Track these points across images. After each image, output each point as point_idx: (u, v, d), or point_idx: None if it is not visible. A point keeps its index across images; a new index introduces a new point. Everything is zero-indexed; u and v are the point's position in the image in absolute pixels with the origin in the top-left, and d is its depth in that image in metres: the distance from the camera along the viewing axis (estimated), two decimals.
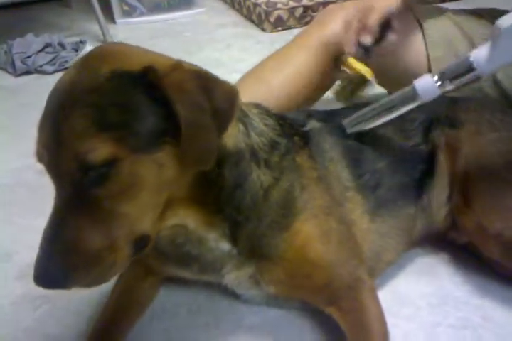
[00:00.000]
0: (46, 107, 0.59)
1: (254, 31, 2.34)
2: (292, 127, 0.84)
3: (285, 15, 2.32)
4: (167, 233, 0.70)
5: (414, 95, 0.82)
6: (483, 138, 0.92)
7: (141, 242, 0.62)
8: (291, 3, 2.32)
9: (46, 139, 0.57)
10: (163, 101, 0.56)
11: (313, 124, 0.88)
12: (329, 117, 0.94)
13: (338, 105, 1.11)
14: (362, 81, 1.05)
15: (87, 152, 0.54)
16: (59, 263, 0.56)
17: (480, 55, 0.75)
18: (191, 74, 0.59)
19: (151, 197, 0.60)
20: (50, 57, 1.91)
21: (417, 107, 0.90)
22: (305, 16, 2.33)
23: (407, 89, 0.84)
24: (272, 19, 2.30)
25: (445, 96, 1.05)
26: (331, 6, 1.24)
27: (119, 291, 0.86)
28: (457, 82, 0.78)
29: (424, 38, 1.21)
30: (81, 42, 1.98)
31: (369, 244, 0.86)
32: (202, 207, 0.69)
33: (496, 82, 1.16)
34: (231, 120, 0.62)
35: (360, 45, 1.06)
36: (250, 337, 0.85)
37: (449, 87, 0.79)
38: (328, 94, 1.31)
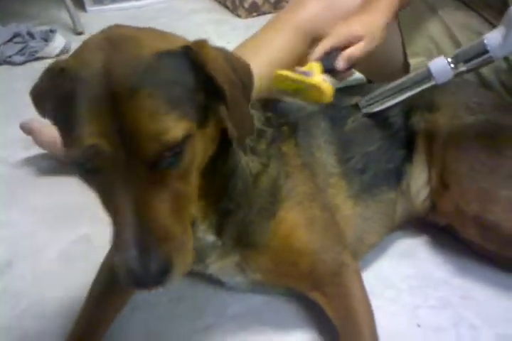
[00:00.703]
0: (86, 96, 0.53)
1: (229, 17, 2.31)
2: (281, 117, 0.85)
3: (260, 1, 2.29)
4: None
5: (428, 76, 0.85)
6: (460, 121, 0.93)
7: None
8: None
9: (105, 128, 0.52)
10: (202, 77, 0.57)
11: (307, 111, 0.89)
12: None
13: None
14: (316, 92, 0.89)
15: (167, 131, 0.52)
16: (159, 258, 0.53)
17: (494, 38, 0.78)
18: (219, 51, 0.61)
19: (197, 176, 0.60)
20: (19, 47, 1.85)
21: None
22: (280, 1, 2.31)
23: (421, 70, 0.86)
24: (246, 5, 2.27)
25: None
26: None
27: (100, 284, 0.84)
28: (470, 64, 0.81)
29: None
30: (51, 31, 1.93)
31: (352, 228, 0.87)
32: (205, 198, 0.68)
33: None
34: (252, 91, 0.65)
35: (328, 59, 0.95)
36: (234, 325, 0.84)
37: (462, 68, 0.82)
38: None
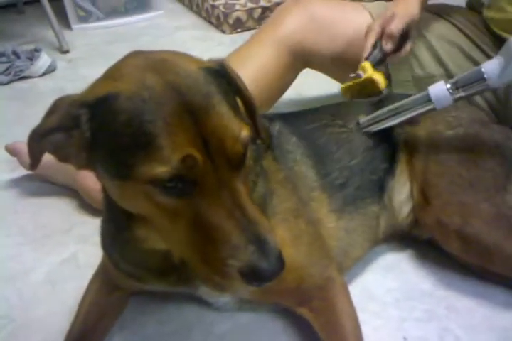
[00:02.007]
0: (162, 113, 0.52)
1: (214, 33, 2.33)
2: None
3: (244, 17, 2.32)
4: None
5: (427, 101, 0.89)
6: (439, 135, 0.95)
7: None
8: (250, 5, 2.32)
9: (192, 139, 0.53)
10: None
11: (275, 126, 0.89)
12: (291, 118, 0.95)
13: (298, 107, 1.11)
14: (372, 86, 1.02)
15: (241, 131, 0.56)
16: (273, 246, 0.56)
17: (492, 68, 0.82)
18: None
19: None
20: (4, 67, 1.84)
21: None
22: (264, 17, 2.34)
23: (421, 94, 0.90)
24: (230, 21, 2.29)
25: (401, 94, 1.08)
26: (285, 3, 1.26)
27: (86, 306, 0.84)
28: (468, 90, 0.85)
29: None
30: (36, 50, 1.93)
31: (337, 242, 0.88)
32: None
33: (450, 77, 1.19)
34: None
35: (379, 50, 1.07)
36: None
37: (461, 94, 0.86)
38: (285, 97, 1.32)
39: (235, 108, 0.58)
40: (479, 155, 0.90)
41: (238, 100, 0.65)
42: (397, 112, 0.94)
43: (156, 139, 0.52)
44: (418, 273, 0.97)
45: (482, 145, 0.92)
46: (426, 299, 0.92)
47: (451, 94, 0.86)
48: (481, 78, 0.82)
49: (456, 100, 0.87)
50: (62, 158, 0.60)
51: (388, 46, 1.05)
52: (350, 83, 1.06)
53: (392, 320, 0.88)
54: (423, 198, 0.92)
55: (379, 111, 0.95)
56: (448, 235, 0.88)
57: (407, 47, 1.09)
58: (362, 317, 0.78)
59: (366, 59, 1.06)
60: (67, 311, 0.88)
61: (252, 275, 0.54)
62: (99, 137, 0.56)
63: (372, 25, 1.08)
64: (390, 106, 0.95)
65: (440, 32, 1.21)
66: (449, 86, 0.86)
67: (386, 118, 0.95)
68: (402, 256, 1.01)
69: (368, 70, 1.03)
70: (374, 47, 1.07)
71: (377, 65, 1.06)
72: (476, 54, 1.17)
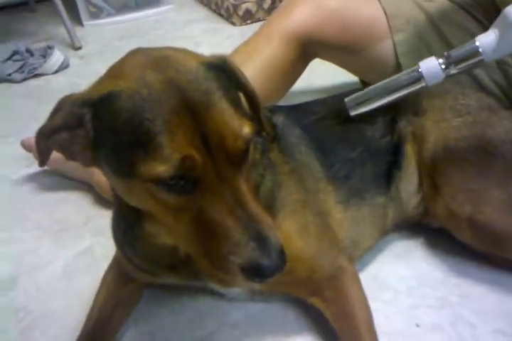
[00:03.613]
0: (162, 111, 0.53)
1: (224, 25, 2.33)
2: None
3: (253, 8, 2.31)
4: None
5: (418, 78, 0.83)
6: (447, 124, 0.93)
7: None
8: None
9: (192, 137, 0.53)
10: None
11: (278, 119, 0.89)
12: (293, 111, 0.95)
13: (307, 98, 1.11)
14: None
15: (243, 127, 0.56)
16: (275, 242, 0.56)
17: (486, 41, 0.76)
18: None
19: None
20: (18, 65, 1.88)
21: None
22: (273, 8, 2.32)
23: (411, 71, 0.84)
24: (240, 12, 2.29)
25: None
26: None
27: (102, 298, 0.86)
28: (461, 66, 0.79)
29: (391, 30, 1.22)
30: (49, 47, 1.95)
31: (345, 232, 0.88)
32: None
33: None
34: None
35: None
36: (236, 333, 0.86)
37: (453, 70, 0.80)
38: (296, 86, 1.32)
39: (236, 104, 0.58)
40: (489, 143, 0.89)
41: (241, 95, 0.65)
42: (385, 91, 0.88)
43: (156, 138, 0.52)
44: (430, 261, 0.97)
45: (491, 132, 0.90)
46: (438, 286, 0.91)
47: (443, 69, 0.81)
48: (475, 52, 0.77)
49: (448, 77, 0.81)
50: (69, 156, 0.61)
51: None
52: None
53: (404, 308, 0.88)
54: (433, 188, 0.92)
55: (365, 90, 0.89)
56: (459, 224, 0.88)
57: None
58: (374, 305, 0.79)
59: None
60: (83, 303, 0.89)
61: (253, 272, 0.55)
62: (102, 135, 0.57)
63: None
64: (377, 85, 0.89)
65: (450, 17, 1.19)
66: (441, 61, 0.81)
67: (373, 98, 0.89)
68: (413, 243, 1.01)
69: None
70: None
71: None
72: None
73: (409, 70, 0.85)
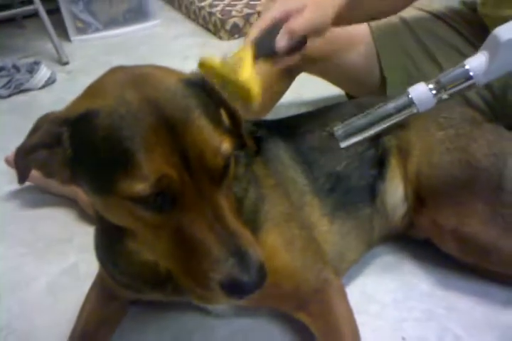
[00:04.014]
0: (139, 129, 0.53)
1: (212, 40, 2.35)
2: None
3: (241, 23, 2.34)
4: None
5: (409, 104, 0.80)
6: (431, 137, 0.94)
7: None
8: (246, 10, 2.34)
9: (169, 155, 0.53)
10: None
11: (263, 132, 0.90)
12: (278, 124, 0.96)
13: (295, 111, 1.11)
14: (242, 91, 0.78)
15: (222, 144, 0.56)
16: (255, 259, 0.56)
17: (477, 64, 0.75)
18: None
19: None
20: (4, 80, 1.87)
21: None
22: None
23: (400, 97, 0.81)
24: (228, 27, 2.31)
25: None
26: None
27: (86, 316, 0.85)
28: (452, 91, 0.77)
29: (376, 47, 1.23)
30: (35, 63, 1.96)
31: (331, 245, 0.88)
32: None
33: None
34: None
35: (269, 41, 0.83)
36: None
37: (445, 95, 0.78)
38: (285, 99, 1.33)
39: (215, 120, 0.58)
40: (471, 155, 0.90)
41: (222, 111, 0.65)
42: (375, 120, 0.83)
43: (134, 156, 0.52)
44: (416, 274, 0.97)
45: (474, 145, 0.91)
46: (425, 299, 0.91)
47: (434, 95, 0.78)
48: (466, 76, 0.76)
49: (440, 101, 0.79)
50: (47, 174, 0.61)
51: (283, 44, 0.82)
52: (218, 67, 0.80)
53: (391, 321, 0.88)
54: (418, 200, 0.92)
55: (354, 119, 0.84)
56: (444, 236, 0.88)
57: (296, 57, 0.88)
58: (361, 318, 0.79)
59: (252, 43, 0.82)
60: (68, 320, 0.88)
61: (233, 288, 0.55)
62: (80, 154, 0.57)
63: (273, 5, 0.87)
64: (366, 113, 0.84)
65: (434, 31, 1.21)
66: (431, 86, 0.79)
67: (364, 128, 0.84)
68: (399, 256, 1.01)
69: (245, 66, 0.79)
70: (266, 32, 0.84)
71: (261, 56, 0.83)
72: (472, 53, 1.17)
73: (398, 97, 0.81)
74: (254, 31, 0.83)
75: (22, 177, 0.63)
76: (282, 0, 0.87)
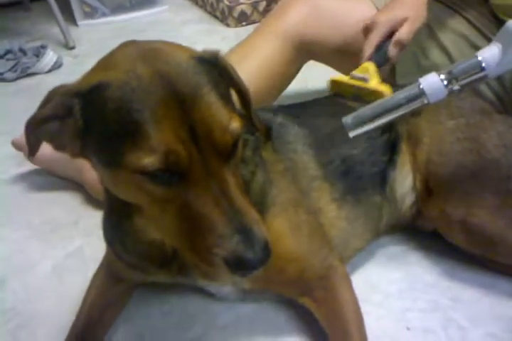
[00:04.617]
0: (150, 103, 0.53)
1: (219, 27, 2.33)
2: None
3: (248, 10, 2.31)
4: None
5: (420, 94, 0.78)
6: (441, 126, 0.93)
7: None
8: None
9: (178, 130, 0.53)
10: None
11: (277, 119, 0.89)
12: (292, 110, 0.95)
13: (303, 98, 1.10)
14: (375, 97, 0.89)
15: (231, 122, 0.56)
16: (260, 236, 0.56)
17: (490, 56, 0.74)
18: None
19: None
20: (11, 64, 1.87)
21: None
22: (269, 10, 2.33)
23: (411, 87, 0.80)
24: (235, 14, 2.29)
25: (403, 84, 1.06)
26: None
27: (91, 299, 0.86)
28: (464, 82, 0.76)
29: None
30: (42, 47, 1.95)
31: (338, 231, 0.88)
32: None
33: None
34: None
35: (383, 52, 0.99)
36: (225, 334, 0.85)
37: (456, 86, 0.77)
38: (291, 88, 1.32)
39: (225, 98, 0.58)
40: (482, 145, 0.89)
41: (232, 91, 0.65)
42: (385, 110, 0.82)
43: (143, 128, 0.52)
44: (422, 264, 0.96)
45: (484, 135, 0.90)
46: (430, 290, 0.91)
47: (445, 86, 0.77)
48: (478, 68, 0.75)
49: (450, 93, 0.78)
50: (58, 146, 0.61)
51: (394, 52, 0.99)
52: (349, 81, 0.96)
53: (395, 311, 0.88)
54: (426, 189, 0.92)
55: (364, 109, 0.84)
56: (452, 226, 0.88)
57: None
58: (365, 307, 0.79)
59: (369, 59, 0.99)
60: (72, 304, 0.88)
61: (237, 265, 0.55)
62: (91, 125, 0.57)
63: (378, 22, 1.00)
64: (376, 103, 0.84)
65: (445, 21, 1.20)
66: (442, 77, 0.77)
67: (373, 118, 0.84)
68: (405, 247, 1.01)
69: (372, 76, 0.95)
70: (377, 47, 0.99)
71: (379, 67, 0.99)
72: (483, 43, 1.15)
73: (408, 87, 0.80)
74: (371, 46, 0.99)
75: (32, 150, 0.63)
76: (387, 12, 1.01)
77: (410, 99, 0.79)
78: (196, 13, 2.54)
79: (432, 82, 0.77)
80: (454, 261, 0.96)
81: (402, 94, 0.80)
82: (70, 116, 0.57)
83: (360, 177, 0.92)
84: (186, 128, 0.53)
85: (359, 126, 0.82)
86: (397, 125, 0.97)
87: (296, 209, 0.80)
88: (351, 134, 0.82)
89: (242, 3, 2.28)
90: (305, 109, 0.98)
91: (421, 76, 1.23)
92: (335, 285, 0.79)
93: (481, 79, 0.76)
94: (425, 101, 0.78)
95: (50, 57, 1.92)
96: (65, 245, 1.08)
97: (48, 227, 1.14)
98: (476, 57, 0.75)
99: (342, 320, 0.76)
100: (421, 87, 0.78)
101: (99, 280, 0.88)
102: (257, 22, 2.29)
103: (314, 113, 0.97)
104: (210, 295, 0.89)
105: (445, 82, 0.77)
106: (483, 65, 0.74)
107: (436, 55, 1.20)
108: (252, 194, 0.75)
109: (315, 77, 1.61)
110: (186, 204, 0.56)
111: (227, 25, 2.32)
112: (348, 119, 0.82)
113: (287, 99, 1.29)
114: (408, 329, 0.84)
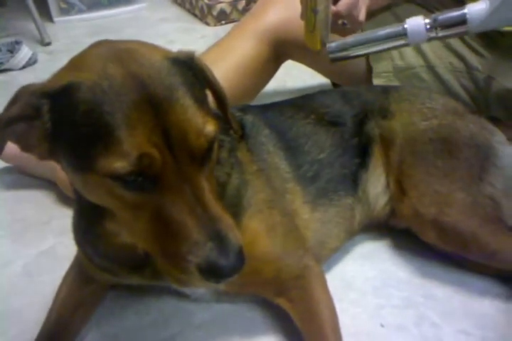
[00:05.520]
0: (122, 105, 0.51)
1: (198, 25, 2.32)
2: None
3: (228, 9, 2.31)
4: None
5: (402, 34, 0.84)
6: (414, 127, 0.95)
7: None
8: None
9: (150, 133, 0.51)
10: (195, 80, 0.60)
11: (248, 118, 0.89)
12: (263, 110, 0.95)
13: (279, 99, 1.10)
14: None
15: (206, 125, 0.55)
16: (234, 243, 0.55)
17: (476, 11, 0.76)
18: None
19: None
20: None
21: (348, 99, 0.93)
22: (248, 9, 2.32)
23: (396, 25, 0.85)
24: (214, 13, 2.28)
25: (376, 86, 1.08)
26: None
27: (62, 298, 0.84)
28: (446, 32, 0.80)
29: None
30: (16, 42, 1.91)
31: (312, 232, 0.88)
32: None
33: (429, 67, 1.20)
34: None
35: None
36: (200, 333, 0.85)
37: (436, 34, 0.81)
38: (269, 87, 1.32)
39: (200, 101, 0.57)
40: (454, 146, 0.90)
41: (208, 92, 0.64)
42: (367, 41, 0.89)
43: (115, 132, 0.51)
44: (396, 262, 0.98)
45: (456, 135, 0.92)
46: (403, 287, 0.92)
47: (427, 30, 0.82)
48: (462, 21, 0.78)
49: (430, 39, 0.82)
50: (25, 147, 0.59)
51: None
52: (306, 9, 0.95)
53: (370, 308, 0.89)
54: (399, 190, 0.93)
55: (349, 38, 0.91)
56: (424, 225, 0.89)
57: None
58: (341, 305, 0.79)
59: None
60: (44, 303, 0.87)
61: (210, 272, 0.54)
62: (60, 128, 0.55)
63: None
64: (362, 35, 0.91)
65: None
66: (427, 21, 0.82)
67: (355, 47, 0.91)
68: (379, 245, 1.02)
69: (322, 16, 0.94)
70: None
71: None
72: (457, 43, 1.17)
73: (395, 25, 0.86)
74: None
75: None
76: None
77: (393, 35, 0.86)
78: (175, 11, 2.52)
79: (416, 24, 0.82)
80: (426, 258, 0.97)
81: (386, 30, 0.87)
82: (38, 117, 0.55)
83: (331, 180, 0.92)
84: (159, 131, 0.52)
85: (340, 51, 0.89)
86: (368, 128, 0.97)
87: (271, 210, 0.80)
88: (331, 57, 0.89)
89: (221, 2, 2.28)
90: (274, 110, 0.98)
91: (396, 76, 1.26)
92: (310, 285, 0.79)
93: (460, 32, 0.80)
94: (406, 42, 0.84)
95: (24, 53, 1.88)
96: (37, 244, 1.06)
97: (20, 226, 1.11)
98: (464, 9, 0.77)
99: (317, 319, 0.76)
100: (405, 26, 0.83)
101: (70, 279, 0.86)
102: (236, 21, 2.28)
103: (283, 115, 0.96)
104: (185, 296, 0.89)
105: (428, 26, 0.81)
106: (467, 18, 0.77)
107: (411, 55, 1.22)
108: (228, 196, 0.74)
109: (294, 77, 1.62)
110: (159, 209, 0.55)
111: (207, 23, 2.31)
112: (332, 44, 0.89)
113: (266, 98, 1.30)
114: (382, 326, 0.85)
